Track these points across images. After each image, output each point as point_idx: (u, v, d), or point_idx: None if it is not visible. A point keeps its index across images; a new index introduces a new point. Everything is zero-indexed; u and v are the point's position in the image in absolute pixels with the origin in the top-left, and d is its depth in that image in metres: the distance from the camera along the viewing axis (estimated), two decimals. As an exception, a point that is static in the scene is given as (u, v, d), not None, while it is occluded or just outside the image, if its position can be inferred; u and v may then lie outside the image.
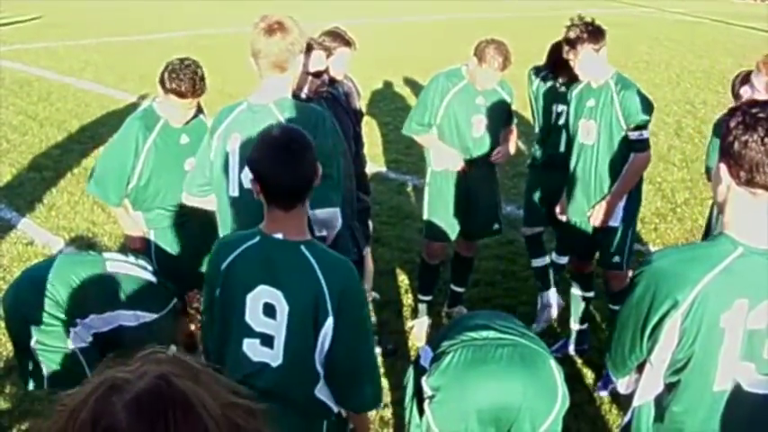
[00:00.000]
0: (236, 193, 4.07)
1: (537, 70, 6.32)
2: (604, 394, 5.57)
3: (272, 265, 3.12)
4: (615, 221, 5.54)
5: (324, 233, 4.11)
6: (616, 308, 5.65)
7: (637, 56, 17.25)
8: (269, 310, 3.13)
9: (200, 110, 5.15)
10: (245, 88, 10.98)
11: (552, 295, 6.60)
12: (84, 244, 7.88)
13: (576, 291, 6.01)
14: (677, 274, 2.64)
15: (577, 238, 5.76)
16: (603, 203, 5.48)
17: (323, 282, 3.07)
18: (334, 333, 3.10)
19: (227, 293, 3.22)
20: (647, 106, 5.37)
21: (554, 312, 6.57)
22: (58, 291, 4.37)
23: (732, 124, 2.58)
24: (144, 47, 18.11)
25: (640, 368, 2.89)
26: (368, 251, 5.78)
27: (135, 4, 26.08)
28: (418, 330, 6.30)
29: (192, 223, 5.05)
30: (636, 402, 2.94)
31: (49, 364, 4.41)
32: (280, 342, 3.14)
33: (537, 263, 6.66)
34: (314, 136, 3.93)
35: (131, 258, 4.72)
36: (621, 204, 5.52)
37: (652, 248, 7.47)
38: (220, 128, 4.16)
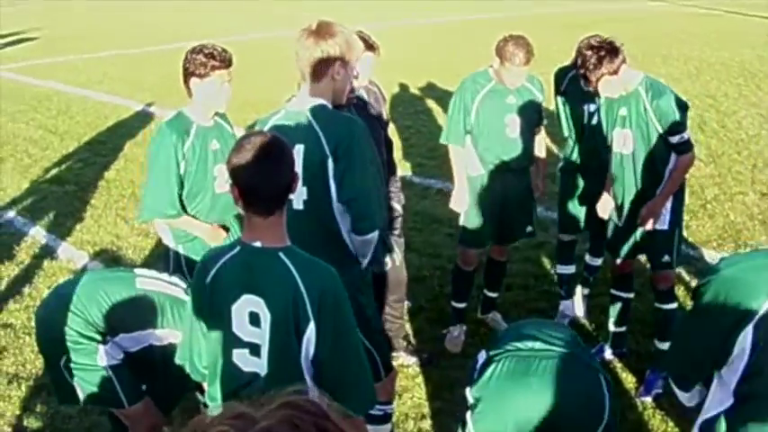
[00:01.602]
0: (300, 206, 3.96)
1: (564, 71, 6.20)
2: (647, 399, 5.46)
3: (253, 274, 3.11)
4: (664, 224, 5.45)
5: (367, 259, 4.08)
6: (663, 307, 5.65)
7: (653, 50, 17.06)
8: (254, 319, 3.12)
9: (225, 119, 5.09)
10: (267, 96, 11.04)
11: (575, 304, 6.59)
12: (109, 257, 7.85)
13: (616, 292, 5.91)
14: (749, 283, 2.52)
15: (622, 239, 5.66)
16: (651, 207, 5.39)
17: (301, 286, 3.05)
18: (317, 338, 3.08)
19: (213, 307, 3.22)
20: (682, 107, 5.26)
21: (579, 312, 6.54)
22: (87, 309, 4.29)
23: None
24: (160, 57, 18.10)
25: (706, 380, 2.78)
26: (401, 260, 5.66)
27: (150, 14, 26.16)
28: (452, 338, 6.20)
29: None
30: (704, 416, 2.82)
31: (81, 382, 4.34)
32: (265, 351, 3.13)
33: (563, 270, 6.59)
34: (349, 146, 3.87)
35: (164, 275, 4.63)
36: (668, 206, 5.43)
37: (684, 247, 7.33)
38: None
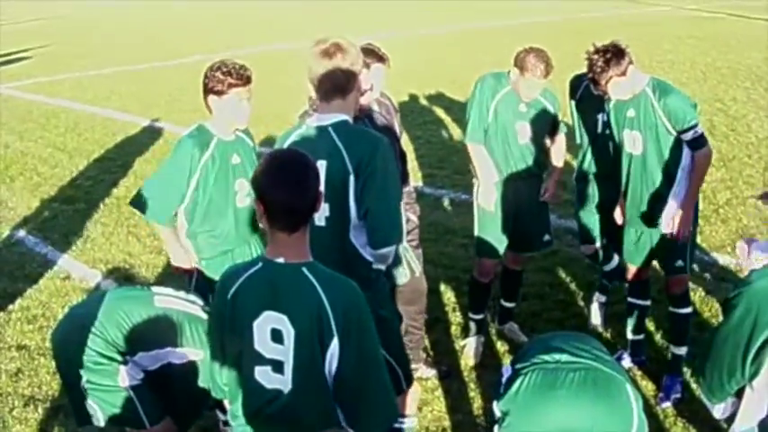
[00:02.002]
0: (321, 223, 3.94)
1: (579, 78, 6.17)
2: (667, 405, 5.44)
3: (275, 290, 3.09)
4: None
5: (381, 267, 4.07)
6: (678, 311, 5.64)
7: (660, 55, 17.06)
8: (277, 336, 3.09)
9: (247, 134, 5.10)
10: (276, 109, 11.03)
11: (593, 312, 6.55)
12: (122, 276, 7.84)
13: (633, 300, 5.86)
14: None
15: (637, 245, 5.63)
16: (683, 213, 5.34)
17: (326, 302, 3.03)
18: (340, 353, 3.05)
19: (235, 323, 3.19)
20: (691, 104, 5.30)
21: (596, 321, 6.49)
22: (105, 328, 4.28)
23: None
24: (167, 73, 18.16)
25: (738, 392, 2.74)
26: (421, 271, 5.63)
27: (154, 30, 26.24)
28: (470, 349, 6.15)
29: (242, 251, 4.96)
30: (737, 428, 2.78)
31: (102, 403, 4.32)
32: (289, 367, 3.10)
33: (608, 267, 6.54)
34: (372, 162, 3.85)
35: (181, 293, 4.62)
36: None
37: (698, 253, 7.29)
38: None
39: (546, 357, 3.67)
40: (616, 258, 6.45)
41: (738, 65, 16.19)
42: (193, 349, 4.30)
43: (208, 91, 4.78)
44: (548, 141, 6.09)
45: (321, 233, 3.80)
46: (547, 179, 6.18)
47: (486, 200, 5.95)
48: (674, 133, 5.23)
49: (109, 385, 4.27)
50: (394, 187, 4.05)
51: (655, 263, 5.77)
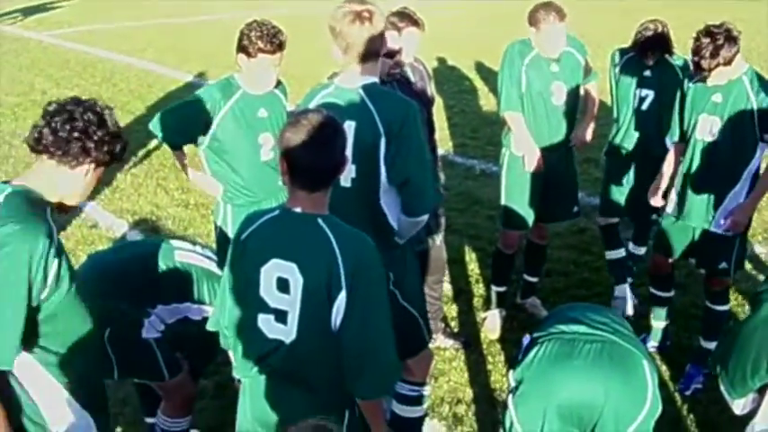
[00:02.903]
0: (347, 184, 3.90)
1: (622, 52, 6.05)
2: (687, 394, 5.35)
3: (288, 238, 3.08)
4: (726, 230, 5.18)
5: (401, 240, 4.07)
6: (715, 307, 5.46)
7: (704, 37, 16.68)
8: (283, 285, 3.07)
9: (278, 83, 5.09)
10: (311, 69, 10.94)
11: (627, 289, 6.38)
12: (148, 227, 7.87)
13: (656, 291, 5.77)
14: None
15: (676, 237, 5.41)
16: (740, 214, 5.11)
17: (338, 254, 3.00)
18: (345, 308, 3.02)
19: (244, 266, 3.18)
20: None
21: (629, 308, 6.30)
22: (128, 281, 4.29)
23: None
24: (204, 27, 18.13)
25: (761, 389, 2.67)
26: (441, 240, 5.60)
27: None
28: (491, 322, 6.12)
29: (269, 204, 4.93)
30: (758, 426, 2.72)
31: (120, 354, 4.31)
32: (294, 317, 3.08)
33: (611, 255, 6.44)
34: (404, 126, 3.82)
35: (198, 248, 4.65)
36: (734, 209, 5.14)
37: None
38: None
39: (564, 328, 3.62)
40: (622, 251, 6.40)
41: (782, 50, 15.84)
42: (208, 306, 4.31)
43: (239, 48, 4.82)
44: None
45: (346, 194, 3.78)
46: (578, 125, 6.04)
47: (531, 162, 5.76)
48: (757, 130, 4.93)
49: (130, 336, 4.28)
50: (426, 153, 4.03)
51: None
